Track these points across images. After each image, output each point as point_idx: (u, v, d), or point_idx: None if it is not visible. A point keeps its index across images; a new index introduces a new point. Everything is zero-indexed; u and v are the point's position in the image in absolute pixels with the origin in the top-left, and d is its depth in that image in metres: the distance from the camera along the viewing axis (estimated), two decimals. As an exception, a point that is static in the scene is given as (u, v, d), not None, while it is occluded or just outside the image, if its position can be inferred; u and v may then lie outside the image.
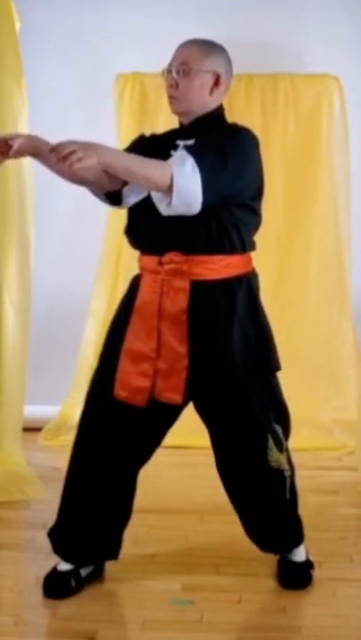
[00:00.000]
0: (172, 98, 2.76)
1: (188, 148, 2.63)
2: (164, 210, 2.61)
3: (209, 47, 2.75)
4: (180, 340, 2.72)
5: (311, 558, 3.00)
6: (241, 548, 3.06)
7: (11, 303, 3.77)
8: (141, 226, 2.79)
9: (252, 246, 2.82)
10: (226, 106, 2.85)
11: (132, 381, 2.76)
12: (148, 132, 2.95)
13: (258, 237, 2.85)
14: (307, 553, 3.00)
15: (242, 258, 2.78)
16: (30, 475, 3.77)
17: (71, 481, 2.89)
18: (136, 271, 2.87)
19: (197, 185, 2.54)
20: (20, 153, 2.57)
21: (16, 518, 3.47)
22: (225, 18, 4.26)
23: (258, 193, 2.78)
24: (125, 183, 2.71)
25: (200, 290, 2.72)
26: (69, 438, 3.00)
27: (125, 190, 2.75)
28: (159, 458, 2.98)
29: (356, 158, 4.38)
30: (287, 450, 2.88)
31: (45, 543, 2.96)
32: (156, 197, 2.62)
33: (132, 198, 2.77)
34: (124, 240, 2.93)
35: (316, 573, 2.97)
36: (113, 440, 2.82)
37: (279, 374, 2.88)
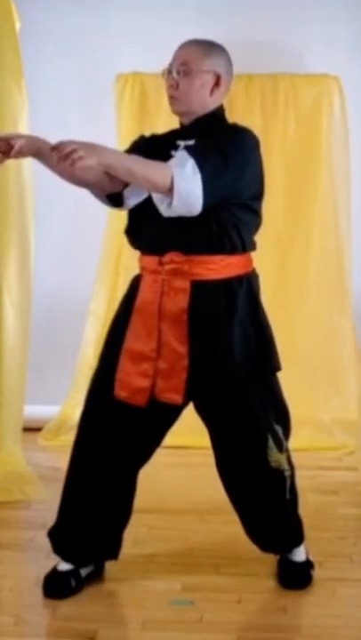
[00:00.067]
0: (172, 98, 2.76)
1: (189, 149, 2.63)
2: (164, 211, 2.61)
3: (209, 47, 2.76)
4: (181, 341, 2.72)
5: (311, 558, 3.00)
6: (241, 548, 3.06)
7: (11, 303, 3.77)
8: (142, 226, 2.79)
9: (252, 246, 2.82)
10: (226, 106, 2.85)
11: (132, 381, 2.76)
12: (148, 133, 2.96)
13: (258, 237, 2.85)
14: (307, 553, 3.00)
15: (242, 258, 2.78)
16: (30, 475, 3.77)
17: (71, 481, 2.89)
18: (136, 271, 2.87)
19: (198, 186, 2.54)
20: (22, 153, 2.57)
21: (16, 518, 3.47)
22: (225, 18, 4.26)
23: (258, 193, 2.79)
24: (126, 185, 2.71)
25: (200, 290, 2.72)
26: (69, 438, 3.00)
27: (126, 192, 2.75)
28: (159, 458, 2.98)
29: (356, 158, 4.38)
30: (287, 450, 2.88)
31: (45, 543, 2.96)
32: (157, 198, 2.62)
33: (133, 200, 2.77)
34: (124, 240, 2.93)
35: (316, 573, 2.97)
36: (113, 440, 2.82)
37: (279, 374, 2.88)
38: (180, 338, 2.72)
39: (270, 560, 3.01)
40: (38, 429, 4.38)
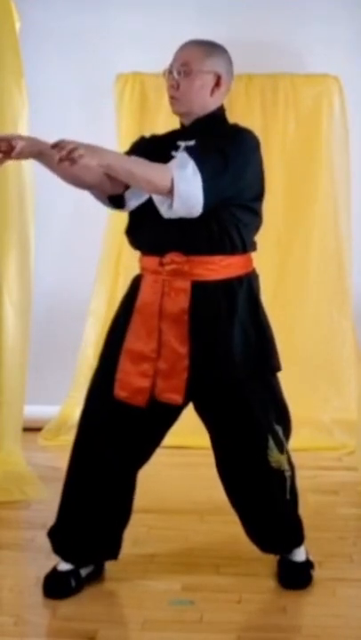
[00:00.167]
0: (172, 98, 2.76)
1: (189, 150, 2.63)
2: (165, 212, 2.61)
3: (210, 48, 2.76)
4: (181, 341, 2.72)
5: (311, 558, 3.00)
6: (241, 548, 3.06)
7: (11, 303, 3.77)
8: (142, 226, 2.79)
9: (252, 247, 2.82)
10: (226, 106, 2.85)
11: (132, 381, 2.76)
12: (148, 133, 2.96)
13: (258, 237, 2.85)
14: (307, 553, 3.00)
15: (242, 258, 2.78)
16: (30, 475, 3.77)
17: (71, 481, 2.89)
18: (136, 271, 2.87)
19: (198, 188, 2.54)
20: (22, 155, 2.57)
21: (16, 518, 3.47)
22: (225, 18, 4.26)
23: (259, 194, 2.79)
24: (127, 186, 2.71)
25: (201, 290, 2.72)
26: (69, 438, 3.00)
27: (128, 194, 2.75)
28: (159, 458, 2.98)
29: (356, 158, 4.38)
30: (288, 450, 2.88)
31: (45, 543, 2.96)
32: (158, 200, 2.63)
33: (134, 201, 2.77)
34: (125, 240, 2.93)
35: (316, 573, 2.97)
36: (113, 440, 2.82)
37: (279, 374, 2.88)
38: (181, 338, 2.72)
39: (270, 560, 3.01)
40: (38, 429, 4.38)
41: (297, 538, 2.96)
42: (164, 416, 2.84)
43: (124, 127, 4.33)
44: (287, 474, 2.86)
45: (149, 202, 2.70)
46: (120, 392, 2.78)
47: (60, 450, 3.59)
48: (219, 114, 2.80)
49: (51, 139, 2.52)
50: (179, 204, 2.55)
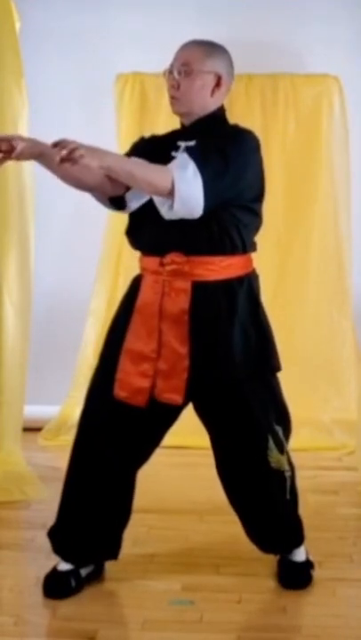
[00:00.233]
0: (173, 98, 2.76)
1: (190, 151, 2.63)
2: (165, 213, 2.61)
3: (211, 48, 2.75)
4: (182, 341, 2.72)
5: (311, 558, 3.00)
6: (241, 548, 3.06)
7: (11, 303, 3.77)
8: (143, 227, 2.79)
9: (252, 247, 2.82)
10: (226, 106, 2.85)
11: (132, 381, 2.76)
12: (148, 133, 2.96)
13: (258, 238, 2.85)
14: (307, 553, 3.00)
15: (242, 258, 2.78)
16: (30, 475, 3.77)
17: (71, 481, 2.89)
18: (136, 271, 2.87)
19: (199, 190, 2.55)
20: (23, 156, 2.56)
21: (16, 518, 3.47)
22: (225, 18, 4.26)
23: (259, 194, 2.79)
24: (128, 188, 2.71)
25: (201, 290, 2.72)
26: (69, 438, 3.00)
27: (129, 195, 2.75)
28: (158, 458, 2.98)
29: (356, 158, 4.38)
30: (287, 451, 2.88)
31: (45, 543, 2.96)
32: (158, 201, 2.63)
33: (135, 203, 2.77)
34: (125, 240, 2.93)
35: (316, 573, 2.97)
36: (113, 440, 2.82)
37: (279, 374, 2.88)
38: (181, 338, 2.72)
39: (270, 560, 3.01)
40: (38, 429, 4.38)
41: (297, 538, 2.96)
42: (164, 416, 2.84)
43: (124, 127, 4.33)
44: (287, 474, 2.86)
45: (150, 203, 2.70)
46: (120, 392, 2.78)
47: (60, 450, 3.59)
48: (219, 114, 2.80)
49: (51, 139, 2.52)
50: (179, 206, 2.55)
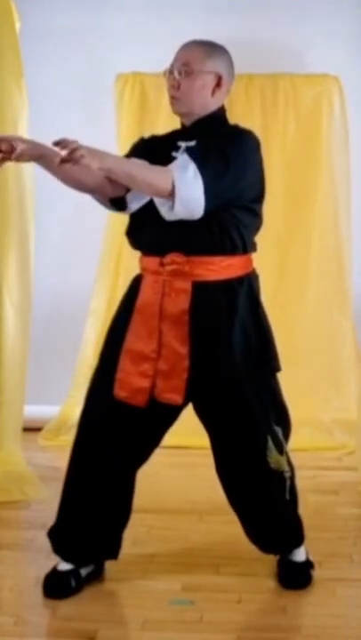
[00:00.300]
0: (173, 99, 2.76)
1: (190, 151, 2.63)
2: (166, 214, 2.62)
3: (211, 48, 2.75)
4: (182, 341, 2.72)
5: (311, 558, 3.00)
6: (241, 548, 3.06)
7: (11, 303, 3.77)
8: (143, 227, 2.79)
9: (252, 247, 2.82)
10: (226, 106, 2.85)
11: (132, 381, 2.76)
12: (148, 134, 2.96)
13: (258, 238, 2.85)
14: (307, 553, 3.00)
15: (243, 259, 2.78)
16: (30, 475, 3.77)
17: (71, 481, 2.89)
18: (136, 271, 2.87)
19: (199, 191, 2.55)
20: (23, 157, 2.56)
21: (16, 518, 3.47)
22: (225, 18, 4.26)
23: (259, 195, 2.79)
24: (129, 189, 2.71)
25: (201, 291, 2.72)
26: (69, 438, 3.00)
27: (129, 196, 2.75)
28: (158, 458, 2.98)
29: (356, 158, 4.38)
30: (287, 451, 2.87)
31: (45, 543, 2.96)
32: (159, 202, 2.63)
33: (135, 204, 2.77)
34: (125, 240, 2.93)
35: (316, 573, 2.97)
36: (113, 440, 2.82)
37: (279, 374, 2.88)
38: (182, 338, 2.72)
39: (270, 560, 3.01)
40: (38, 429, 4.38)
41: (297, 538, 2.96)
42: (164, 416, 2.84)
43: (123, 127, 4.33)
44: (287, 474, 2.86)
45: (150, 203, 2.70)
46: (120, 392, 2.78)
47: (60, 450, 3.60)
48: (219, 114, 2.80)
49: (51, 139, 2.52)
50: (180, 207, 2.56)
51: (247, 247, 2.77)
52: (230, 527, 3.07)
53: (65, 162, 2.39)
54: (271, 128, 4.33)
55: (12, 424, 3.83)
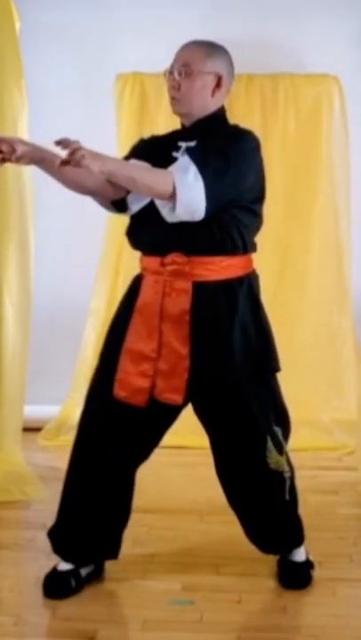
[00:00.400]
0: (173, 99, 2.76)
1: (190, 152, 2.63)
2: (167, 216, 2.62)
3: (211, 48, 2.75)
4: (182, 341, 2.73)
5: (311, 558, 3.00)
6: (241, 548, 3.05)
7: (11, 303, 3.77)
8: (144, 228, 2.79)
9: (253, 247, 2.82)
10: (226, 106, 2.85)
11: (132, 381, 2.76)
12: (148, 133, 2.96)
13: (258, 238, 2.85)
14: (307, 553, 3.00)
15: (243, 259, 2.78)
16: (30, 475, 3.77)
17: (71, 481, 2.89)
18: (136, 271, 2.87)
19: (200, 193, 2.55)
20: (22, 159, 2.56)
21: (16, 518, 3.47)
22: (225, 18, 4.26)
23: (259, 195, 2.79)
24: (130, 191, 2.71)
25: (201, 291, 2.72)
26: (69, 438, 3.00)
27: (130, 197, 2.75)
28: (158, 458, 2.98)
29: (356, 158, 4.38)
30: (287, 451, 2.87)
31: (45, 543, 2.97)
32: (160, 203, 2.63)
33: (136, 205, 2.77)
34: (125, 240, 2.93)
35: (316, 573, 2.97)
36: (113, 439, 2.82)
37: (279, 374, 2.88)
38: (182, 339, 2.72)
39: (270, 560, 3.01)
40: (38, 429, 4.38)
41: (297, 538, 2.96)
42: (164, 416, 2.84)
43: (124, 127, 4.33)
44: (286, 475, 2.86)
45: (150, 203, 2.70)
46: (120, 392, 2.78)
47: (60, 450, 3.60)
48: (219, 114, 2.80)
49: (51, 139, 2.52)
50: (181, 210, 2.56)
51: (247, 247, 2.77)
52: (230, 527, 3.08)
53: (65, 163, 2.39)
54: (271, 128, 4.33)
55: (11, 424, 3.83)
